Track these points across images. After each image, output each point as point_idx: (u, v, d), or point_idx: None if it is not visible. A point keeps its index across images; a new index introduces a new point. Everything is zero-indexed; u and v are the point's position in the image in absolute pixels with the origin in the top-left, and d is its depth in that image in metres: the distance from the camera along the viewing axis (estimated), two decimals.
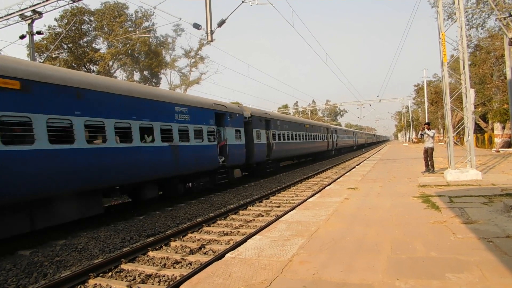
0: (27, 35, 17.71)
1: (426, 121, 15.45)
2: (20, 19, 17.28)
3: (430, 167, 13.41)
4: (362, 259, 4.39)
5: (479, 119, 32.04)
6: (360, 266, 4.17)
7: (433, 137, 13.65)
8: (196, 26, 12.79)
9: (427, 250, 4.55)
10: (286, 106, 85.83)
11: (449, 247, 4.63)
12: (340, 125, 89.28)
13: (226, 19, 12.39)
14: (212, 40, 12.12)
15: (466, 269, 3.83)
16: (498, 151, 23.57)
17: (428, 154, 13.43)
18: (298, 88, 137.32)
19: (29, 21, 17.22)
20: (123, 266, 6.41)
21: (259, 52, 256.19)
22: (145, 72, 43.27)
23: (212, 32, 11.94)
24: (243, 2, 13.29)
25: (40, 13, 17.01)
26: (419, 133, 14.17)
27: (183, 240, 8.03)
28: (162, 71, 46.18)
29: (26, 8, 16.65)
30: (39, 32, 18.91)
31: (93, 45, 38.12)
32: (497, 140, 26.07)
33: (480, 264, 3.95)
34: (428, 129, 13.76)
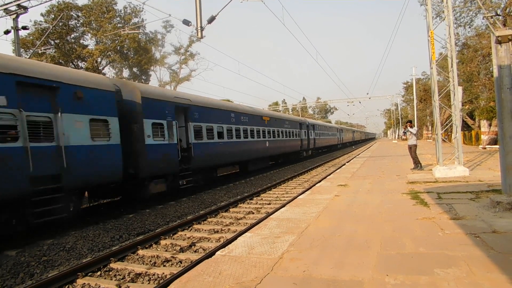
0: (12, 30, 17.28)
1: (409, 119, 15.77)
2: (4, 14, 16.84)
3: (414, 163, 13.61)
4: (352, 256, 4.41)
5: (467, 117, 32.53)
6: (350, 262, 4.19)
7: (415, 135, 13.83)
8: (186, 22, 12.63)
9: (416, 246, 4.60)
10: (276, 104, 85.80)
11: (438, 242, 4.68)
12: (330, 122, 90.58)
13: (216, 16, 12.27)
14: (202, 37, 11.97)
15: (454, 265, 3.88)
16: (485, 148, 24.01)
17: (411, 151, 13.64)
18: (289, 86, 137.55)
19: (14, 16, 16.77)
20: (112, 265, 6.33)
21: (249, 50, 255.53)
22: (135, 69, 42.74)
23: (202, 29, 11.80)
24: None
25: (26, 8, 16.60)
26: (402, 131, 14.41)
27: (173, 238, 7.97)
28: (152, 68, 45.68)
29: (11, 2, 16.24)
30: (24, 28, 18.44)
31: (81, 41, 37.43)
32: (484, 137, 26.52)
33: (468, 259, 4.01)
34: (411, 126, 13.95)
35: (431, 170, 12.08)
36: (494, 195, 7.11)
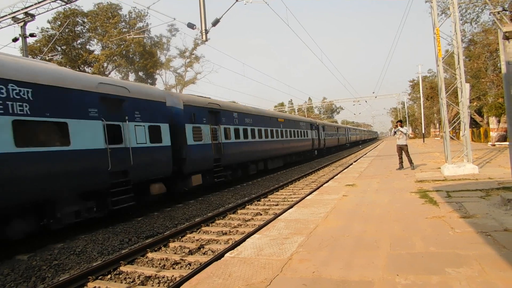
0: (20, 38, 17.56)
1: (399, 119, 15.65)
2: (12, 22, 17.13)
3: (409, 163, 13.53)
4: (362, 256, 4.39)
5: (475, 114, 32.18)
6: (359, 262, 4.17)
7: (406, 134, 13.75)
8: (191, 25, 12.73)
9: (426, 246, 4.56)
10: (282, 104, 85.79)
11: (448, 241, 4.63)
12: (336, 122, 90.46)
13: (220, 18, 12.34)
14: (206, 40, 12.06)
15: (465, 264, 3.84)
16: (494, 145, 23.70)
17: (404, 151, 13.59)
18: (294, 86, 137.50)
19: (22, 23, 17.07)
20: (122, 268, 6.37)
21: (255, 51, 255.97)
22: (140, 73, 43.11)
23: (206, 32, 11.88)
24: (237, 1, 13.23)
25: (33, 15, 16.88)
26: (392, 130, 14.32)
27: (182, 241, 8.00)
28: (157, 71, 46.04)
29: (18, 10, 16.50)
30: (32, 35, 18.74)
31: (87, 46, 37.91)
32: (493, 134, 26.19)
33: (479, 258, 3.96)
34: (401, 126, 13.88)
35: (440, 168, 11.96)
36: (505, 192, 7.02)
